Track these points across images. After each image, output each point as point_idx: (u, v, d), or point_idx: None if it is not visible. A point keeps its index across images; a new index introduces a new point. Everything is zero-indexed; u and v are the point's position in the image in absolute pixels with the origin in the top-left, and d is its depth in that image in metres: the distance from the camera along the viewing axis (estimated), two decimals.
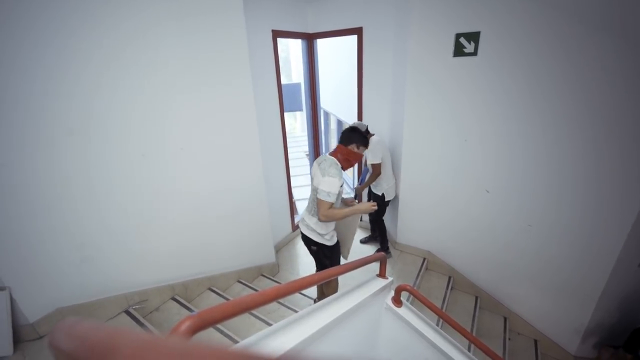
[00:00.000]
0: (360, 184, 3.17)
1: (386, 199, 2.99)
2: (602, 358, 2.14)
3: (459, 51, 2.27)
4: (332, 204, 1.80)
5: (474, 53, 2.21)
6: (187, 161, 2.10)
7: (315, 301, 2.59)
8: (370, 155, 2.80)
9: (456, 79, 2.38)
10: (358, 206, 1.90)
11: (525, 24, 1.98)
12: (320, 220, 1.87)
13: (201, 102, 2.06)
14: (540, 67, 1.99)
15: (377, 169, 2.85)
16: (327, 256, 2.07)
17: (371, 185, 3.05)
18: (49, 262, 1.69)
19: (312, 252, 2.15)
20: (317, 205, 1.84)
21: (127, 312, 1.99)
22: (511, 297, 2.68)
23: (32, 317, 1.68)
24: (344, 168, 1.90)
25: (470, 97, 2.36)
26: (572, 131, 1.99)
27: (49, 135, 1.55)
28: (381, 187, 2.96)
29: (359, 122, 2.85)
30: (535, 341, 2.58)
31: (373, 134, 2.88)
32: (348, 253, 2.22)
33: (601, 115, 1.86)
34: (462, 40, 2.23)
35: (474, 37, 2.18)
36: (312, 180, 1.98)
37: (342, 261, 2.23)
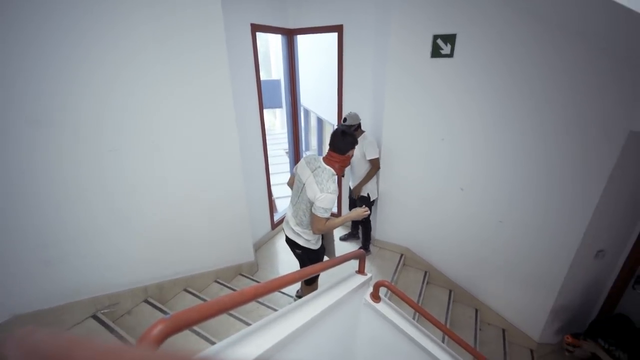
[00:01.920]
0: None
1: (371, 199, 2.95)
2: (566, 341, 2.26)
3: (436, 52, 2.33)
4: (328, 218, 1.79)
5: (450, 55, 2.28)
6: (161, 157, 2.01)
7: (297, 296, 2.58)
8: (371, 150, 2.72)
9: (433, 80, 2.44)
10: (350, 214, 1.87)
11: (499, 27, 2.06)
12: (314, 233, 1.87)
13: (176, 97, 1.97)
14: (515, 69, 2.08)
15: (377, 163, 2.80)
16: (311, 259, 2.06)
17: (352, 187, 3.01)
18: (3, 264, 1.55)
19: (296, 255, 2.14)
20: (312, 220, 1.81)
21: (95, 317, 1.88)
22: (482, 290, 2.81)
23: None
24: (338, 175, 1.85)
25: (447, 98, 2.44)
26: (537, 133, 2.11)
27: (2, 128, 1.41)
28: (365, 187, 2.90)
29: (354, 113, 2.73)
30: (504, 330, 2.73)
31: (364, 131, 2.83)
32: (334, 254, 2.22)
33: (565, 116, 1.98)
34: (439, 41, 2.29)
35: (450, 39, 2.25)
36: (303, 184, 1.84)
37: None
